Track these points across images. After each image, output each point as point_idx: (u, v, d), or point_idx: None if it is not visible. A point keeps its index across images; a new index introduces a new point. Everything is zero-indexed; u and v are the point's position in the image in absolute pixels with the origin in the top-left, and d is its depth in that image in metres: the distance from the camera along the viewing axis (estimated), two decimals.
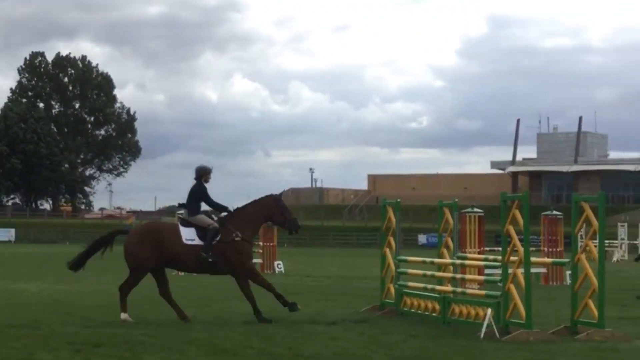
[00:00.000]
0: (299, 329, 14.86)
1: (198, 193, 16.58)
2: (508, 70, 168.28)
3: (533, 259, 15.72)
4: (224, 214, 16.71)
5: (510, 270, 14.43)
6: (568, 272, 23.79)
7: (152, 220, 14.25)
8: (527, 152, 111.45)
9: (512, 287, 14.32)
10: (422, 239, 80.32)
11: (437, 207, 18.12)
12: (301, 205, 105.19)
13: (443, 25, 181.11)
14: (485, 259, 17.22)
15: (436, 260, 17.83)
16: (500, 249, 15.54)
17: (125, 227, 24.51)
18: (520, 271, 14.28)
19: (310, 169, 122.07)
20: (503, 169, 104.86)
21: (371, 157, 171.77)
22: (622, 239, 55.62)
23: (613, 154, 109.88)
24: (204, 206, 16.67)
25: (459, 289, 16.25)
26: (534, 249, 30.05)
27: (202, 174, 16.75)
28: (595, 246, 14.76)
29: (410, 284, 17.60)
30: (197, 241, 16.12)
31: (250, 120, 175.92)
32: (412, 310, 17.04)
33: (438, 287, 16.77)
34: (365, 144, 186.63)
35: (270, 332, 14.34)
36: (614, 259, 51.51)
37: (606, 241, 47.02)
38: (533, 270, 25.37)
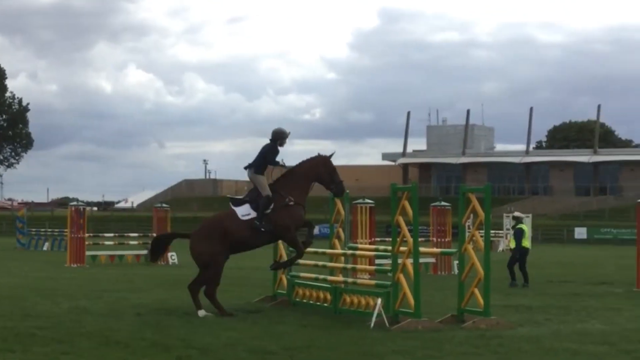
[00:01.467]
0: (191, 320, 14.78)
1: (268, 152, 16.48)
2: (399, 63, 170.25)
3: (422, 249, 15.89)
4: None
5: (399, 261, 14.57)
6: (456, 262, 24.11)
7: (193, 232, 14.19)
8: (417, 144, 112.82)
9: (402, 277, 14.46)
10: (314, 229, 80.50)
11: (329, 198, 18.18)
12: (195, 197, 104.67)
13: (336, 18, 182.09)
14: (376, 250, 17.37)
15: (328, 250, 17.89)
16: (390, 239, 15.68)
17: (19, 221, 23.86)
18: (409, 261, 14.43)
19: (205, 161, 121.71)
20: (394, 161, 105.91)
21: None
22: (508, 229, 56.53)
23: (499, 147, 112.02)
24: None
25: (350, 279, 16.35)
26: (423, 239, 30.46)
27: (279, 137, 16.59)
28: (481, 236, 15.01)
29: (302, 274, 17.64)
30: (253, 214, 16.09)
31: (144, 112, 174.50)
32: (304, 301, 17.08)
33: (329, 278, 16.85)
34: (259, 136, 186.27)
35: (164, 324, 14.22)
36: (500, 248, 52.55)
37: (492, 231, 48.37)
38: (422, 260, 25.73)
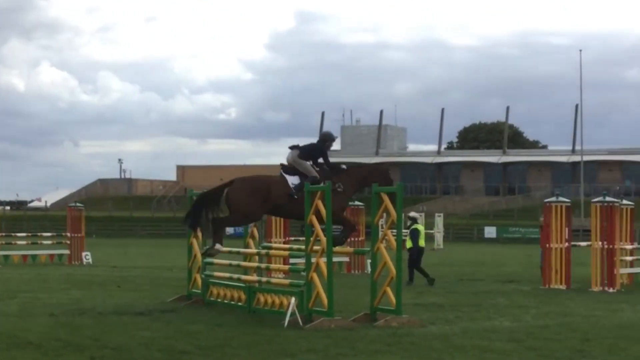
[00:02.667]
0: (105, 320, 14.62)
1: (317, 150, 16.90)
2: (314, 64, 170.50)
3: (336, 248, 15.93)
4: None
5: (313, 260, 14.61)
6: (369, 261, 24.26)
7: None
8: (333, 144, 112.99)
9: (315, 276, 14.49)
10: (229, 229, 80.00)
11: None
12: (110, 196, 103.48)
13: (252, 18, 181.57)
14: (290, 249, 17.38)
15: (242, 250, 17.85)
16: (304, 238, 15.70)
17: None
18: (322, 260, 14.48)
19: (119, 160, 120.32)
20: None
21: (180, 148, 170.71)
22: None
23: (412, 147, 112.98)
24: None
25: (264, 279, 16.33)
26: None
27: (327, 139, 17.20)
28: (393, 235, 15.11)
29: (217, 273, 17.57)
30: (297, 182, 16.35)
31: (58, 110, 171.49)
32: (219, 300, 17.01)
33: (244, 277, 16.81)
34: (174, 135, 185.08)
35: (77, 324, 14.04)
36: None
37: (404, 231, 48.49)
38: (335, 259, 25.81)
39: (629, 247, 23.94)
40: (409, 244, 24.66)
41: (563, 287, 22.87)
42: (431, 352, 11.50)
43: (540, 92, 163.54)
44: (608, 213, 22.71)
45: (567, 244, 23.36)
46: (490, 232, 77.18)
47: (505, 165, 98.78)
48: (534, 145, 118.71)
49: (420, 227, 25.40)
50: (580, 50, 79.60)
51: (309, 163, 16.83)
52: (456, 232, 75.86)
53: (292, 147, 17.02)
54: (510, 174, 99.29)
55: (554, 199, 23.96)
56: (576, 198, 75.63)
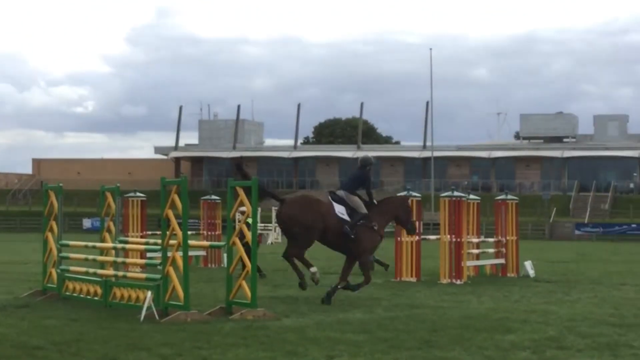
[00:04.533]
0: None
1: (362, 178, 17.96)
2: (172, 58, 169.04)
3: (192, 242, 15.88)
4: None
5: (169, 254, 14.52)
6: (225, 255, 24.27)
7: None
8: (190, 138, 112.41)
9: (172, 270, 14.42)
10: (87, 223, 79.02)
11: (99, 190, 17.88)
12: None
13: (111, 12, 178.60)
14: (147, 243, 17.22)
15: (98, 244, 17.60)
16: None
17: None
18: (179, 254, 14.41)
19: None
20: (166, 155, 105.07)
21: (36, 141, 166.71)
22: (276, 223, 57.43)
23: (269, 141, 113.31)
24: None
25: (121, 273, 16.14)
26: (193, 232, 30.47)
27: (367, 164, 18.22)
28: (249, 229, 15.16)
29: (73, 268, 17.27)
30: (346, 217, 17.24)
31: None
32: (75, 295, 16.73)
33: (100, 271, 16.57)
34: (29, 128, 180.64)
35: None
36: (269, 241, 53.17)
37: (261, 225, 48.28)
38: (192, 253, 25.74)
39: (475, 240, 24.62)
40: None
41: (413, 279, 23.36)
42: (285, 345, 11.58)
43: (394, 89, 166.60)
44: (456, 207, 23.31)
45: (417, 237, 23.85)
46: None
47: None
48: (387, 140, 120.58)
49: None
50: (431, 49, 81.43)
51: (358, 198, 17.68)
52: None
53: (339, 189, 18.03)
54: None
55: (405, 193, 24.42)
56: (427, 192, 77.33)
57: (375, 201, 18.01)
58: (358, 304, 16.84)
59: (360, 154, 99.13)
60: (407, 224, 18.77)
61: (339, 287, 17.37)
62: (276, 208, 26.98)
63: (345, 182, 18.39)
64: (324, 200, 17.68)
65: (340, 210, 17.30)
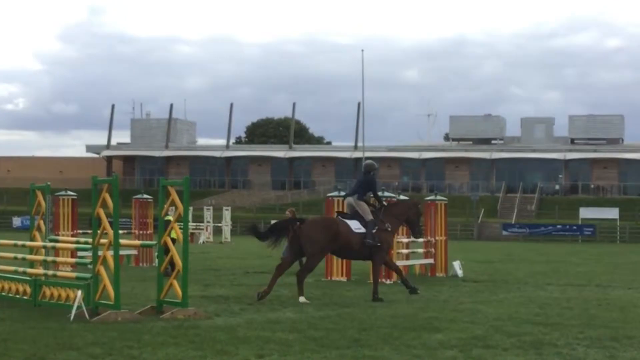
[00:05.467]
0: None
1: (369, 184, 18.87)
2: (105, 56, 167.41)
3: (123, 241, 15.75)
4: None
5: (100, 253, 14.39)
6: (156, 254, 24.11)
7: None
8: (122, 136, 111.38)
9: (102, 269, 14.28)
10: (17, 221, 77.87)
11: (29, 189, 17.64)
12: None
13: (43, 9, 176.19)
14: (77, 242, 17.03)
15: (28, 243, 17.35)
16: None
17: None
18: (109, 253, 14.28)
19: None
20: (98, 153, 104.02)
21: None
22: (208, 222, 57.24)
23: (201, 141, 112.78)
24: None
25: (51, 272, 15.93)
26: (125, 231, 30.24)
27: (372, 169, 19.29)
28: (180, 229, 15.08)
29: (1, 267, 17.00)
30: (362, 229, 18.20)
31: None
32: (3, 294, 16.47)
33: (29, 270, 16.34)
34: None
35: None
36: (201, 240, 52.91)
37: (193, 224, 47.93)
38: (123, 252, 25.52)
39: (405, 240, 24.77)
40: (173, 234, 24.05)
41: (344, 279, 23.45)
42: (216, 344, 11.55)
43: (326, 90, 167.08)
44: None
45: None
46: None
47: (292, 160, 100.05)
48: (319, 141, 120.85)
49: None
50: (363, 50, 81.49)
51: (365, 204, 18.71)
52: (244, 225, 76.18)
53: (347, 196, 19.17)
54: (296, 169, 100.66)
55: (336, 193, 24.52)
56: None
57: (385, 203, 19.26)
58: (289, 304, 16.85)
59: (292, 154, 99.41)
60: (415, 227, 19.63)
61: (400, 281, 19.18)
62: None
63: (353, 188, 19.13)
64: (340, 221, 18.45)
65: (356, 226, 18.27)
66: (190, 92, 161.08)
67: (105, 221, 14.38)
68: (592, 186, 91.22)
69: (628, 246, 61.92)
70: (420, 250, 25.92)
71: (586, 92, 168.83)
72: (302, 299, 17.29)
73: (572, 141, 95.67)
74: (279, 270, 17.92)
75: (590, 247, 58.49)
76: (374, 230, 18.27)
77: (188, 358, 10.57)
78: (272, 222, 19.09)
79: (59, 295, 15.06)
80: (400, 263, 24.14)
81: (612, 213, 76.43)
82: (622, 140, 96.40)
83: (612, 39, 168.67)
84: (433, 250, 26.05)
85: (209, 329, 12.88)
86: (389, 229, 18.63)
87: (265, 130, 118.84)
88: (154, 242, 18.98)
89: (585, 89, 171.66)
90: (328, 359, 10.58)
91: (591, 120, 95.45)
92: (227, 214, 58.55)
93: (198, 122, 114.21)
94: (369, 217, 18.42)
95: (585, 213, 76.86)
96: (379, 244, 18.22)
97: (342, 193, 24.40)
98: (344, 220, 18.39)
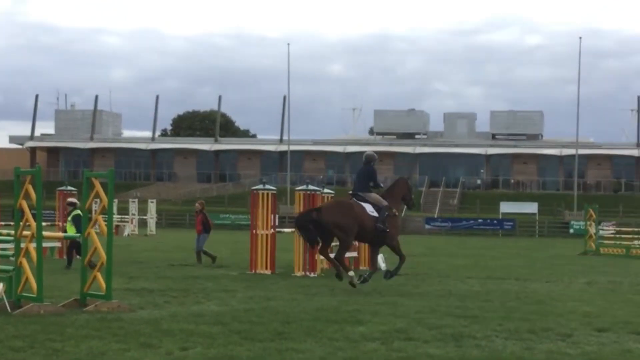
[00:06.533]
0: None
1: (370, 174, 19.40)
2: (28, 46, 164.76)
3: (46, 233, 15.53)
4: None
5: (22, 245, 14.17)
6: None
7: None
8: (46, 127, 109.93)
9: (25, 261, 14.08)
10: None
11: None
12: None
13: None
14: None
15: None
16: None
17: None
18: (32, 245, 14.08)
19: None
20: (21, 144, 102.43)
21: None
22: (133, 214, 56.73)
23: (127, 133, 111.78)
24: None
25: None
26: (48, 223, 29.81)
27: (372, 160, 19.64)
28: (104, 221, 14.92)
29: None
30: (376, 214, 18.90)
31: None
32: None
33: None
34: None
35: None
36: (125, 233, 52.42)
37: (118, 216, 47.51)
38: (47, 244, 25.17)
39: None
40: (71, 230, 23.72)
41: (268, 272, 23.44)
42: (139, 337, 11.46)
43: (252, 83, 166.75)
44: (311, 201, 23.49)
45: (272, 230, 23.96)
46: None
47: (217, 153, 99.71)
48: (245, 134, 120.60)
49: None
50: (289, 44, 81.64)
51: (375, 193, 19.39)
52: (169, 218, 75.86)
53: (354, 194, 19.33)
54: (222, 162, 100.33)
55: (261, 186, 24.48)
56: (283, 186, 77.70)
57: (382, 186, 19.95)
58: (213, 296, 16.80)
59: (217, 147, 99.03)
60: (410, 202, 20.36)
61: (378, 272, 19.74)
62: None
63: (358, 182, 19.54)
64: (356, 203, 19.05)
65: (370, 209, 18.93)
66: (116, 83, 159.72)
67: (28, 213, 14.18)
68: (512, 181, 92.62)
69: (546, 240, 63.02)
70: None
71: (507, 89, 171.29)
72: (351, 273, 18.53)
73: (494, 136, 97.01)
74: (324, 253, 19.07)
75: (510, 241, 59.40)
76: (385, 216, 19.01)
77: (111, 351, 10.48)
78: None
79: None
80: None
81: (531, 208, 77.76)
82: (542, 136, 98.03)
83: (532, 37, 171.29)
84: (357, 243, 26.15)
85: (133, 322, 12.78)
86: (396, 214, 19.44)
87: (191, 123, 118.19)
88: (77, 235, 18.75)
89: (507, 85, 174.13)
90: (252, 352, 10.57)
91: (512, 116, 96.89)
92: (152, 206, 58.11)
93: (124, 114, 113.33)
94: (385, 203, 19.12)
95: (506, 208, 78.03)
96: (387, 230, 19.01)
97: (267, 186, 24.40)
98: (362, 204, 19.01)
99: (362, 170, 19.70)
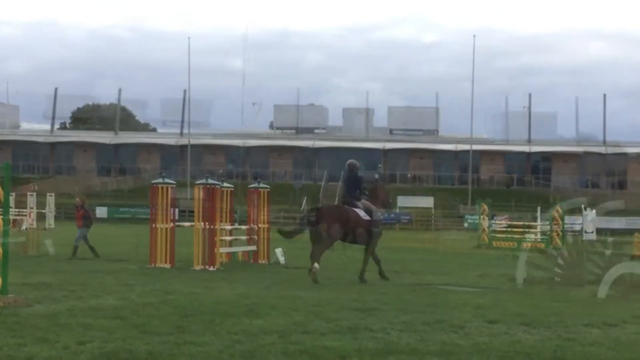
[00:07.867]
0: None
1: (357, 181, 20.54)
2: None
3: None
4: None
5: None
6: None
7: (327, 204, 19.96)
8: None
9: None
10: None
11: None
12: None
13: None
14: None
15: None
16: None
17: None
18: None
19: None
20: None
21: None
22: (32, 208, 55.61)
23: (25, 125, 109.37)
24: None
25: None
26: None
27: (354, 167, 20.75)
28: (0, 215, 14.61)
29: None
30: (367, 218, 19.97)
31: None
32: None
33: None
34: None
35: None
36: (23, 227, 51.31)
37: (15, 210, 46.52)
38: None
39: (228, 227, 24.82)
40: None
41: (167, 265, 23.28)
42: (36, 331, 11.27)
43: (152, 76, 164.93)
44: (210, 194, 23.40)
45: (172, 224, 23.79)
46: (101, 212, 76.66)
47: (117, 146, 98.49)
48: (145, 127, 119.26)
49: None
50: (189, 38, 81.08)
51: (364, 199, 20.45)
52: (68, 211, 74.47)
53: (345, 202, 20.40)
54: (121, 155, 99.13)
55: (160, 180, 24.29)
56: (183, 179, 77.16)
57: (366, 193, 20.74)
58: (111, 290, 16.61)
59: (117, 140, 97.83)
60: (388, 203, 21.92)
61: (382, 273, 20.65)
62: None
63: (346, 189, 20.69)
64: (350, 209, 20.05)
65: (363, 214, 19.97)
66: (13, 75, 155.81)
67: None
68: (409, 175, 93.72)
69: (441, 233, 63.96)
70: (244, 238, 26.02)
71: (404, 85, 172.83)
72: (316, 265, 19.26)
73: (391, 132, 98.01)
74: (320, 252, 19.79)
75: (406, 234, 60.12)
76: (379, 218, 20.46)
77: (7, 346, 10.27)
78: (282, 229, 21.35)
79: None
80: (223, 250, 24.21)
81: (427, 202, 78.81)
82: (438, 131, 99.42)
83: (428, 34, 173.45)
84: (256, 237, 26.18)
85: (29, 316, 12.56)
86: (382, 217, 20.95)
87: (90, 116, 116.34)
88: None
89: (404, 81, 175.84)
90: (150, 346, 10.48)
91: (409, 112, 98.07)
92: (51, 200, 57.11)
93: (21, 106, 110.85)
94: (374, 207, 20.26)
95: (403, 201, 78.93)
96: (381, 231, 20.66)
97: (166, 180, 24.21)
98: (355, 209, 19.99)
99: (348, 177, 20.75)
